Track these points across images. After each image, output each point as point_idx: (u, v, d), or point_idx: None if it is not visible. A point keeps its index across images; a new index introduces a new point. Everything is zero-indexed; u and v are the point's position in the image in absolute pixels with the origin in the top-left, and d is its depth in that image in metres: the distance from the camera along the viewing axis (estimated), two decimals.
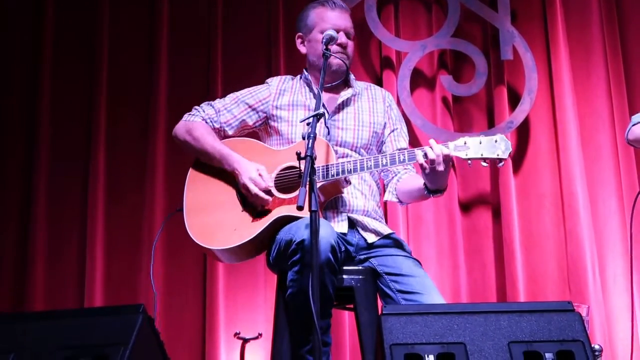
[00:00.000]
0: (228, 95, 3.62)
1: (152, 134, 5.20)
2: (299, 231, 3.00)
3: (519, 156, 5.07)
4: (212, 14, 5.37)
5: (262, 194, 3.25)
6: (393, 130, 3.58)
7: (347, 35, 3.52)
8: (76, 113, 5.35)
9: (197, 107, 3.60)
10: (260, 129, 3.60)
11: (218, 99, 3.64)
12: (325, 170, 3.19)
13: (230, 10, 5.41)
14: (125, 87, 5.38)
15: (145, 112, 5.26)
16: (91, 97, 5.30)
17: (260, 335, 4.76)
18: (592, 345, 2.63)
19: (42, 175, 5.20)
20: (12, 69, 5.46)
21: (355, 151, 3.46)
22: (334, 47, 3.44)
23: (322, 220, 2.85)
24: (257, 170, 3.29)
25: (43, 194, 5.18)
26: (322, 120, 3.06)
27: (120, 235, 5.16)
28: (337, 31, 3.48)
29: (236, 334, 4.74)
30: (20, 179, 5.27)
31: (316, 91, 3.36)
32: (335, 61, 3.45)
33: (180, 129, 3.56)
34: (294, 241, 2.99)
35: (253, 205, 3.30)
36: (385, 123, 3.57)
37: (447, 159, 3.11)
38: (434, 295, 3.15)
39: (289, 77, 3.68)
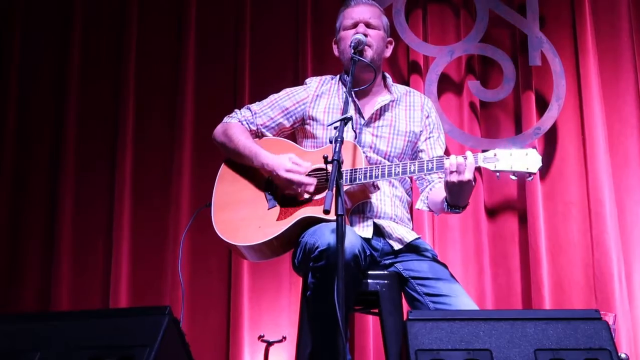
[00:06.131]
0: (268, 97, 3.63)
1: (178, 138, 5.22)
2: (323, 236, 2.98)
3: (546, 162, 5.02)
4: (240, 17, 5.38)
5: (305, 179, 3.25)
6: (429, 138, 3.54)
7: (368, 25, 3.47)
8: (103, 117, 5.37)
9: (236, 109, 3.64)
10: (298, 130, 3.61)
11: (257, 102, 3.65)
12: (352, 174, 3.19)
13: (257, 15, 5.41)
14: (153, 91, 5.40)
15: (172, 116, 5.28)
16: (118, 101, 5.32)
17: (284, 338, 4.75)
18: (619, 354, 2.60)
19: (69, 178, 5.23)
20: (39, 73, 5.47)
21: (388, 160, 3.43)
22: (352, 38, 3.39)
23: (346, 227, 2.84)
24: (289, 159, 3.30)
25: (69, 197, 5.21)
26: (349, 124, 3.05)
27: (146, 240, 5.18)
28: (356, 24, 3.47)
29: (260, 337, 4.74)
30: (46, 182, 5.30)
31: (352, 94, 3.36)
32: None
33: (218, 130, 3.59)
34: (318, 247, 2.98)
35: (295, 196, 3.29)
36: (421, 131, 3.53)
37: (472, 169, 3.05)
38: (462, 297, 3.14)
39: (328, 77, 3.66)
